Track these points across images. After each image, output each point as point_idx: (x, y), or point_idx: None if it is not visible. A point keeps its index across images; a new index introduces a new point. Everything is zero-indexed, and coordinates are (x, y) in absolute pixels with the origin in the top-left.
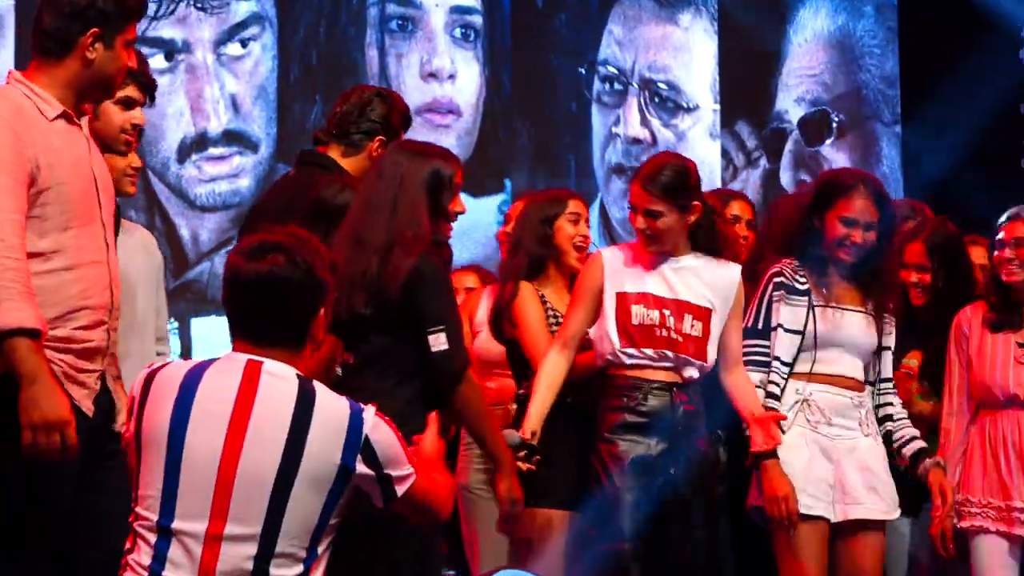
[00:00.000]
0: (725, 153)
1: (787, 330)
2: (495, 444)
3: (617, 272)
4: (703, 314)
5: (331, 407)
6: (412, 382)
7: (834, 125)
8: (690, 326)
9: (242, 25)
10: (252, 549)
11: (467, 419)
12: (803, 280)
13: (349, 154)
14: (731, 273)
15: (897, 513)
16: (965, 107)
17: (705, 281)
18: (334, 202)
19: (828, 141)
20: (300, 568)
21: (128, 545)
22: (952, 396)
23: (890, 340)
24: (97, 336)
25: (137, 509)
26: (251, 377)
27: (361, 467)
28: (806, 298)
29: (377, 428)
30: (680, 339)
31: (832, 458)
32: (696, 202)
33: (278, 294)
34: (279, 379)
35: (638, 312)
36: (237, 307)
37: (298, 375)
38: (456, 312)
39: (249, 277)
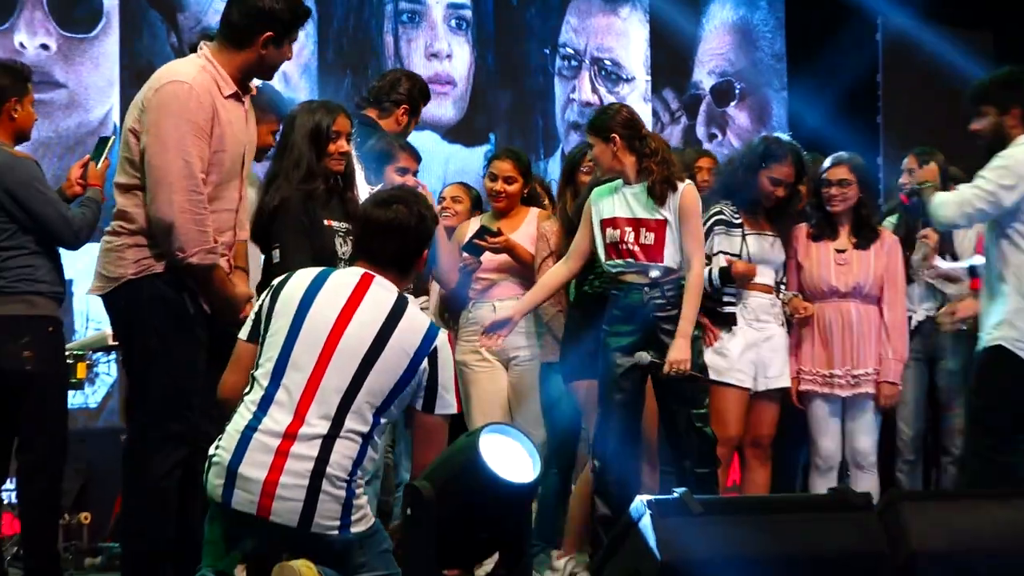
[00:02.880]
0: (655, 113)
1: (727, 254)
2: None
3: (600, 203)
4: (655, 225)
5: (418, 316)
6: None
7: (737, 92)
8: (643, 237)
9: None
10: (337, 400)
11: None
12: (737, 216)
13: (383, 117)
14: (677, 191)
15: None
16: (835, 77)
17: (656, 200)
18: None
19: (732, 104)
20: (366, 427)
21: (246, 389)
22: (791, 290)
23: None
24: (220, 262)
25: (260, 361)
26: (365, 282)
27: (426, 364)
28: (740, 229)
29: (444, 348)
30: (637, 248)
31: (758, 345)
32: (615, 135)
33: (398, 234)
34: (385, 288)
35: (609, 233)
36: (366, 240)
37: (399, 291)
38: (295, 236)
39: (380, 220)
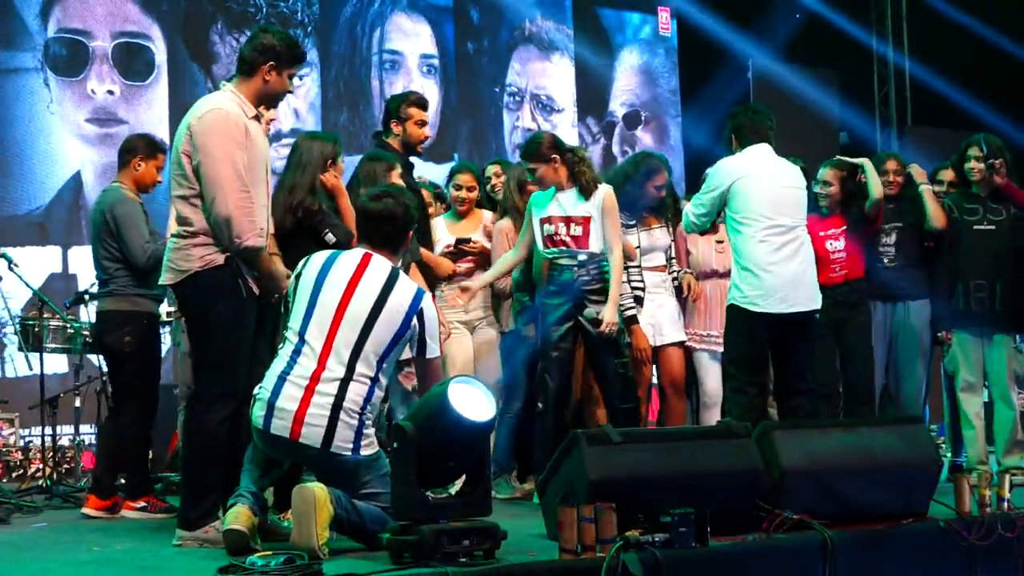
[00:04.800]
0: (580, 136)
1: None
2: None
3: (539, 205)
4: (581, 220)
5: (407, 284)
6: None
7: (643, 118)
8: (572, 229)
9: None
10: (349, 350)
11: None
12: (631, 219)
13: (386, 136)
14: (598, 193)
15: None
16: (717, 106)
17: (582, 200)
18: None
19: (639, 128)
20: (372, 371)
21: (280, 345)
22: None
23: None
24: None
25: (289, 325)
26: (365, 260)
27: (415, 322)
28: (634, 228)
29: (429, 307)
30: (568, 239)
31: (653, 311)
32: (555, 155)
33: (389, 221)
34: (381, 264)
35: (545, 228)
36: (364, 227)
37: (391, 265)
38: (340, 221)
39: (373, 210)
